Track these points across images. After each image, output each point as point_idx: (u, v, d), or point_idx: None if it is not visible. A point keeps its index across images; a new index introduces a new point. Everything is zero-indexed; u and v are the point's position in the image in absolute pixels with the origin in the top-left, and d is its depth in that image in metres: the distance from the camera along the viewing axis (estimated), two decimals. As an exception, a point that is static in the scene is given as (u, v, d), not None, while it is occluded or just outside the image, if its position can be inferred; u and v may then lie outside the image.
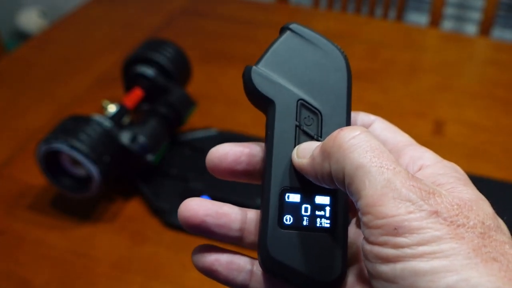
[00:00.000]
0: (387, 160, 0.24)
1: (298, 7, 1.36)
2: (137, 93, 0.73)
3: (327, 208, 0.28)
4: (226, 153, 0.29)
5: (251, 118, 0.80)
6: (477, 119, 0.81)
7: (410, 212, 0.22)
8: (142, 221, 0.64)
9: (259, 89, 0.29)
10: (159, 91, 0.72)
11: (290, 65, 0.29)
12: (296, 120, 0.29)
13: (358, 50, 0.98)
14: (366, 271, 0.28)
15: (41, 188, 0.68)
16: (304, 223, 0.27)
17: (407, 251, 0.22)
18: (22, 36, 2.09)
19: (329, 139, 0.25)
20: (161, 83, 0.72)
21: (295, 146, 0.28)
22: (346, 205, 0.28)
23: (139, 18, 1.12)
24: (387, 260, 0.22)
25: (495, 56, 1.01)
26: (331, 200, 0.28)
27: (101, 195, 0.66)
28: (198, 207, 0.29)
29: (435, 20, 1.21)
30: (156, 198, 0.65)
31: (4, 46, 1.32)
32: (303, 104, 0.29)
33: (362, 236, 0.24)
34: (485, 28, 1.17)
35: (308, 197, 0.28)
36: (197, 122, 0.77)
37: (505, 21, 1.57)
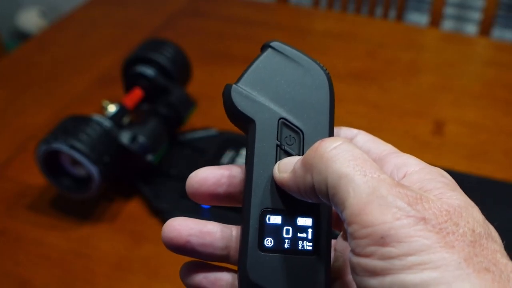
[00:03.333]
0: (370, 168, 0.23)
1: (298, 7, 1.36)
2: (137, 93, 0.73)
3: (309, 230, 0.27)
4: (205, 177, 0.29)
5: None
6: (477, 119, 0.81)
7: (397, 219, 0.21)
8: (142, 221, 0.64)
9: (239, 107, 0.28)
10: (159, 91, 0.72)
11: (271, 83, 0.29)
12: (277, 139, 0.28)
13: (358, 50, 0.98)
14: (350, 286, 0.27)
15: (41, 188, 0.68)
16: (286, 245, 0.27)
17: (396, 262, 0.21)
18: (22, 36, 2.09)
19: (310, 151, 0.25)
20: (161, 83, 0.72)
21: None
22: (329, 226, 0.27)
23: (139, 18, 1.12)
24: (374, 273, 0.21)
25: (495, 56, 1.01)
26: (313, 222, 0.27)
27: (101, 195, 0.66)
28: (180, 227, 0.28)
29: (435, 20, 1.21)
30: (156, 198, 0.65)
31: (4, 46, 1.32)
32: (284, 123, 0.28)
33: (349, 249, 0.23)
34: (485, 28, 1.17)
35: (289, 219, 0.27)
36: (197, 122, 0.77)
37: (505, 21, 1.57)
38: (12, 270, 0.59)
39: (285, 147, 0.28)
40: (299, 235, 0.27)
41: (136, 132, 0.64)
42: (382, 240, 0.21)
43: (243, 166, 0.29)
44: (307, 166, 0.25)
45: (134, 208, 0.66)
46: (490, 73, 0.95)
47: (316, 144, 0.25)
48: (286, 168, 0.27)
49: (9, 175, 0.72)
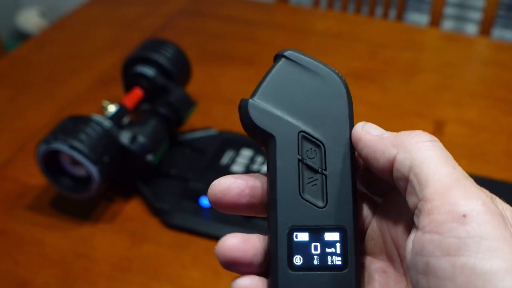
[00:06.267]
0: (459, 167, 0.25)
1: (298, 7, 1.36)
2: (137, 93, 0.73)
3: (337, 245, 0.27)
4: (228, 187, 0.28)
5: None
6: (477, 119, 0.81)
7: (481, 205, 0.22)
8: (142, 221, 0.64)
9: (258, 123, 0.28)
10: (159, 91, 0.72)
11: (287, 95, 0.28)
12: (298, 153, 0.27)
13: (358, 50, 0.98)
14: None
15: (41, 188, 0.68)
16: (315, 262, 0.27)
17: (470, 243, 0.21)
18: (22, 36, 2.09)
19: (405, 134, 0.26)
20: (161, 83, 0.72)
21: (299, 182, 0.27)
22: (356, 239, 0.27)
23: (139, 18, 1.12)
24: (447, 252, 0.22)
25: (495, 56, 1.01)
26: (340, 236, 0.27)
27: (101, 195, 0.66)
28: (245, 246, 0.27)
29: (435, 20, 1.21)
30: (156, 198, 0.65)
31: (4, 46, 1.32)
32: (304, 136, 0.28)
33: (401, 232, 0.25)
34: (485, 28, 1.17)
35: (316, 235, 0.27)
36: (197, 122, 0.77)
37: (505, 21, 1.57)
38: (12, 270, 0.59)
39: (307, 161, 0.28)
40: (328, 250, 0.27)
41: (136, 132, 0.64)
42: (463, 219, 0.22)
43: (264, 177, 0.29)
44: (396, 142, 0.25)
45: (134, 208, 0.66)
46: (490, 73, 0.95)
47: (414, 132, 0.26)
48: (371, 129, 0.27)
49: (9, 175, 0.72)
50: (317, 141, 0.28)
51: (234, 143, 0.71)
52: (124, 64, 0.75)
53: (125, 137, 0.63)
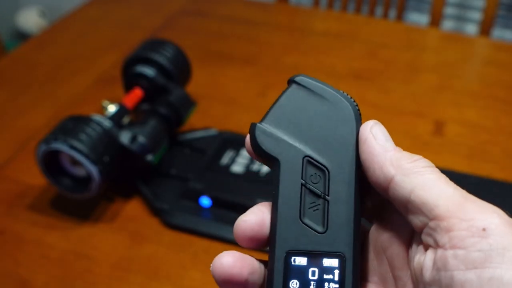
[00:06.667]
0: (458, 187, 0.25)
1: (298, 7, 1.36)
2: (137, 93, 0.73)
3: (336, 271, 0.27)
4: (253, 225, 0.28)
5: (251, 118, 0.80)
6: (477, 119, 0.81)
7: (497, 217, 0.23)
8: (142, 221, 0.64)
9: (263, 147, 0.28)
10: (159, 91, 0.72)
11: (295, 120, 0.29)
12: (302, 178, 0.28)
13: (358, 50, 0.98)
14: None
15: (41, 188, 0.68)
16: None
17: (494, 254, 0.22)
18: (22, 36, 2.09)
19: (406, 157, 0.26)
20: (161, 83, 0.72)
21: (300, 206, 0.27)
22: (355, 266, 0.27)
23: (139, 18, 1.12)
24: (473, 265, 0.22)
25: (495, 56, 1.01)
26: (339, 263, 0.27)
27: (101, 195, 0.66)
28: (241, 264, 0.28)
29: (435, 20, 1.21)
30: (156, 198, 0.65)
31: (4, 46, 1.32)
32: (309, 161, 0.28)
33: (398, 252, 0.26)
34: (485, 28, 1.17)
35: (315, 260, 0.27)
36: (197, 122, 0.77)
37: (505, 21, 1.57)
38: (12, 270, 0.59)
39: (310, 186, 0.28)
40: (325, 276, 0.27)
41: (136, 132, 0.64)
42: (483, 233, 0.23)
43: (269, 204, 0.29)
44: (396, 163, 0.26)
45: (134, 208, 0.66)
46: (490, 73, 0.95)
47: (415, 157, 0.26)
48: (378, 134, 0.27)
49: (9, 175, 0.72)
50: (321, 166, 0.28)
51: (234, 143, 0.71)
52: (124, 64, 0.75)
53: (125, 137, 0.63)
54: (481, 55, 1.05)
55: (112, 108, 0.69)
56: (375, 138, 0.27)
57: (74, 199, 0.65)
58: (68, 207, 0.66)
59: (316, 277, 0.27)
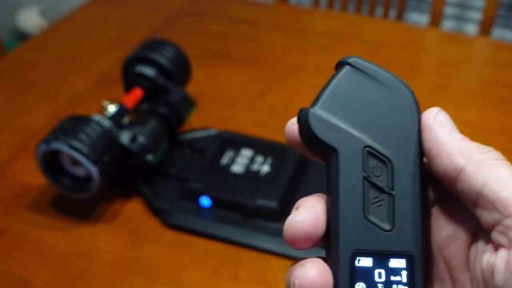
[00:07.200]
0: None
1: (298, 7, 1.36)
2: (137, 93, 0.73)
3: (404, 273, 0.25)
4: (303, 225, 0.25)
5: (251, 118, 0.80)
6: (477, 119, 0.81)
7: None
8: (142, 221, 0.64)
9: (320, 136, 0.25)
10: (159, 91, 0.72)
11: (351, 105, 0.26)
12: (363, 170, 0.25)
13: (358, 50, 0.98)
14: None
15: (41, 188, 0.68)
16: None
17: None
18: (22, 36, 2.09)
19: (477, 148, 0.25)
20: (161, 83, 0.72)
21: (363, 202, 0.25)
22: (424, 266, 0.25)
23: (139, 18, 1.12)
24: None
25: (495, 56, 1.01)
26: (407, 263, 0.25)
27: (101, 195, 0.66)
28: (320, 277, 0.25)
29: (435, 20, 1.21)
30: (156, 198, 0.65)
31: (4, 46, 1.32)
32: (370, 152, 0.26)
33: (458, 252, 0.24)
34: (485, 28, 1.17)
35: (381, 261, 0.25)
36: (197, 122, 0.77)
37: (505, 21, 1.57)
38: (12, 270, 0.59)
39: (373, 179, 0.25)
40: (393, 278, 0.25)
41: (136, 132, 0.64)
42: None
43: (321, 197, 0.27)
44: (467, 153, 0.24)
45: (134, 208, 0.66)
46: (490, 73, 0.95)
47: (486, 148, 0.25)
48: (444, 121, 0.26)
49: (9, 175, 0.72)
50: (384, 158, 0.26)
51: (234, 143, 0.71)
52: (124, 64, 0.75)
53: (125, 137, 0.63)
54: (481, 55, 1.05)
55: (112, 108, 0.69)
56: (441, 126, 0.26)
57: (74, 199, 0.65)
58: (68, 207, 0.66)
59: (383, 279, 0.25)
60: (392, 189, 0.25)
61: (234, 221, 0.62)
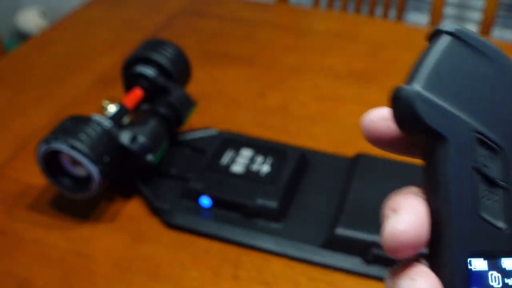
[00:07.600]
0: None
1: (298, 7, 1.36)
2: (137, 93, 0.73)
3: None
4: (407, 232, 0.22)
5: (251, 118, 0.80)
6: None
7: None
8: (142, 221, 0.64)
9: (427, 121, 0.21)
10: (159, 91, 0.72)
11: (457, 84, 0.22)
12: (473, 161, 0.22)
13: (358, 50, 0.98)
14: None
15: (41, 188, 0.68)
16: None
17: None
18: (22, 36, 2.09)
19: None
20: (161, 83, 0.72)
21: (475, 198, 0.22)
22: None
23: (139, 18, 1.12)
24: None
25: (495, 56, 1.01)
26: None
27: (101, 195, 0.66)
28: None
29: (435, 20, 1.21)
30: (156, 198, 0.65)
31: (4, 46, 1.32)
32: (479, 139, 0.22)
33: None
34: (485, 28, 1.17)
35: (495, 263, 0.22)
36: (197, 122, 0.77)
37: (505, 21, 1.57)
38: (12, 270, 0.59)
39: (485, 171, 0.22)
40: (507, 281, 0.22)
41: (136, 132, 0.64)
42: None
43: (417, 194, 0.23)
44: None
45: (134, 208, 0.66)
46: (490, 73, 0.95)
47: None
48: None
49: (9, 175, 0.72)
50: (495, 146, 0.22)
51: (234, 143, 0.71)
52: (124, 64, 0.75)
53: (125, 137, 0.63)
54: (481, 55, 1.04)
55: (112, 108, 0.69)
56: None
57: (74, 199, 0.65)
58: (68, 207, 0.66)
59: (499, 284, 0.22)
60: (506, 182, 0.22)
61: (234, 221, 0.62)
